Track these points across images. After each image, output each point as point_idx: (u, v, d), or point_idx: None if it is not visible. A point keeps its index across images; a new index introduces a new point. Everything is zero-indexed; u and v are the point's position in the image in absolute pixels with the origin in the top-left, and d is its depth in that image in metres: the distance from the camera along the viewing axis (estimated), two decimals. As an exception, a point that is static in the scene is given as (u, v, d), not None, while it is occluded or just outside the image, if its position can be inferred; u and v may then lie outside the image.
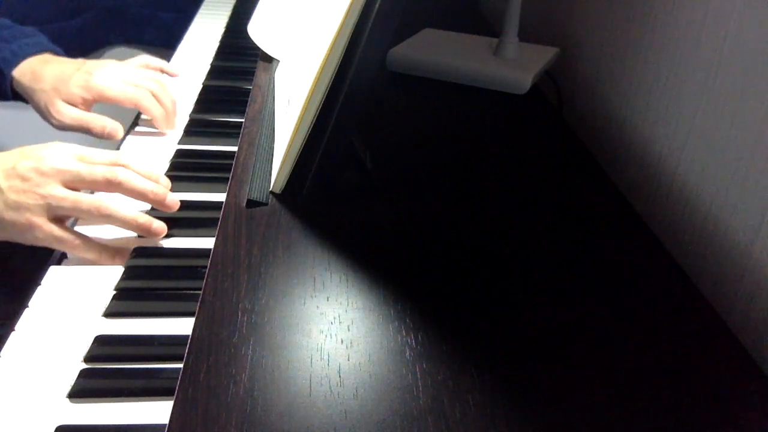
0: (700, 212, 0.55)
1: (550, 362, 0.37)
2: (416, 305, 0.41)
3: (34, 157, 0.52)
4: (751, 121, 0.49)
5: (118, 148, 0.73)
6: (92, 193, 0.59)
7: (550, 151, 0.64)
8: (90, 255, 0.53)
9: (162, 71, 0.87)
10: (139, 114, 0.80)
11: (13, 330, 0.47)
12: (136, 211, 0.55)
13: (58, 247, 0.53)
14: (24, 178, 0.51)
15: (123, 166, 0.55)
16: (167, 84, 0.79)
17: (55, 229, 0.51)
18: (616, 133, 0.71)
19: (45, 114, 0.74)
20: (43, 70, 0.75)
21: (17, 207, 0.51)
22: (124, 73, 0.76)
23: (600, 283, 0.44)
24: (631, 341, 0.39)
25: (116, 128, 0.74)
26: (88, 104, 0.75)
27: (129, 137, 0.75)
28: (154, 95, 0.75)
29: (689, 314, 0.42)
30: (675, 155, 0.59)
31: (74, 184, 0.53)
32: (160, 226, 0.56)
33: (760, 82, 0.48)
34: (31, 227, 0.51)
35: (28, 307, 0.49)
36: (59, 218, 0.53)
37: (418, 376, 0.36)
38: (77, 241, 0.52)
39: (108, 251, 0.54)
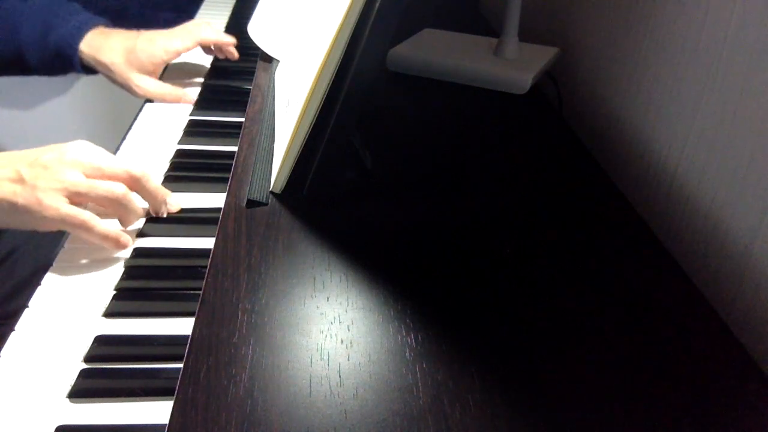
0: (700, 212, 0.55)
1: (550, 362, 0.37)
2: (416, 305, 0.41)
3: (58, 150, 0.54)
4: (751, 121, 0.49)
5: (117, 149, 0.73)
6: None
7: (550, 151, 0.64)
8: (93, 237, 0.54)
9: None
10: (137, 115, 0.80)
11: (13, 330, 0.47)
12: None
13: (64, 227, 0.53)
14: (45, 167, 0.52)
15: (141, 176, 0.58)
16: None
17: (62, 207, 0.52)
18: (616, 133, 0.71)
19: (125, 87, 0.83)
20: (107, 43, 0.81)
21: (33, 189, 0.52)
22: (173, 32, 0.87)
23: (600, 284, 0.44)
24: (631, 341, 0.39)
25: (187, 95, 0.85)
26: (159, 68, 0.84)
27: (129, 136, 0.76)
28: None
29: (689, 314, 0.42)
30: (675, 155, 0.59)
31: (94, 174, 0.54)
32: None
33: (760, 82, 0.48)
34: (40, 207, 0.51)
35: (28, 307, 0.49)
36: (71, 201, 0.53)
37: (418, 376, 0.36)
38: (81, 219, 0.53)
39: (113, 235, 0.54)
